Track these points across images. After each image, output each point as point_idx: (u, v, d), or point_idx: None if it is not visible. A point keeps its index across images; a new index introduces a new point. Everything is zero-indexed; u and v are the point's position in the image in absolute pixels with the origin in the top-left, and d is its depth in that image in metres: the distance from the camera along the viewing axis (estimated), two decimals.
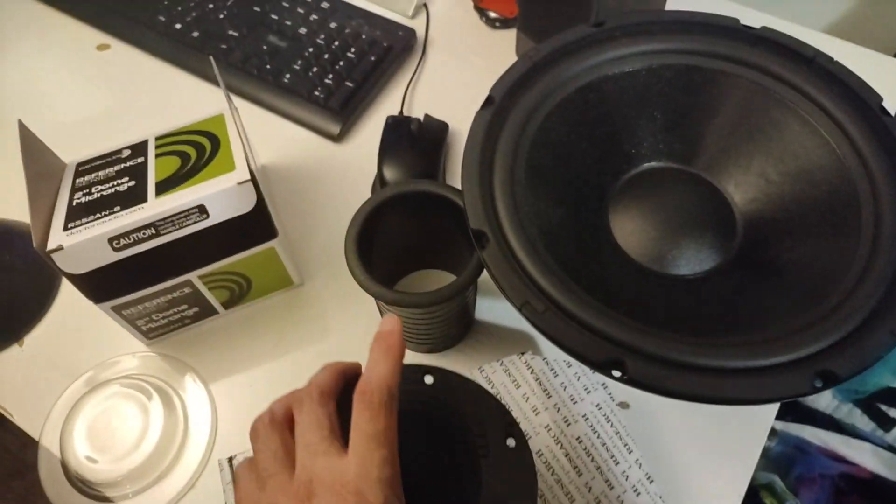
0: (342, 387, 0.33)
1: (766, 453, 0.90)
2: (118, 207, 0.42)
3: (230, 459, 0.41)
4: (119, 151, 0.47)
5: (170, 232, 0.42)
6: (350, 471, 0.28)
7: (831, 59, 0.43)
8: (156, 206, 0.41)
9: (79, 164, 0.46)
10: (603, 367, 0.34)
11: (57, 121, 0.61)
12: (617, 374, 0.34)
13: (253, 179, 0.42)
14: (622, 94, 0.45)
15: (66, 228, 0.41)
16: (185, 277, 0.44)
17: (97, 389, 0.46)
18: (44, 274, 0.51)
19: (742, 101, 0.44)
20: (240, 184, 0.41)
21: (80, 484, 0.44)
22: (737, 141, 0.45)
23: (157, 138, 0.47)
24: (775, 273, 0.41)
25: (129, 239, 0.41)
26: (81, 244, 0.40)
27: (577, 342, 0.35)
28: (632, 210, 0.45)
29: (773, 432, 0.93)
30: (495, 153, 0.41)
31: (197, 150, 0.45)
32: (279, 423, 0.31)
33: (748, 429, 0.44)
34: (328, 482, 0.28)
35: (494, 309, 0.49)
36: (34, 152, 0.43)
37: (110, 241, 0.41)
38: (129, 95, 0.62)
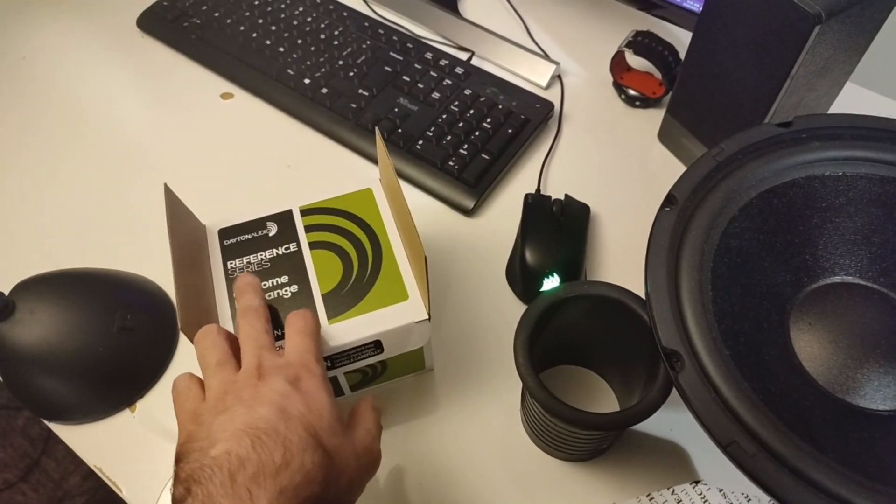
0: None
1: None
2: None
3: None
4: (264, 224, 0.44)
5: (344, 365, 0.41)
6: (291, 354, 0.35)
7: None
8: (333, 338, 0.39)
9: (221, 232, 0.44)
10: None
11: (180, 169, 0.59)
12: None
13: (428, 314, 0.40)
14: (809, 202, 0.42)
15: None
16: (332, 373, 0.42)
17: None
18: (164, 337, 0.49)
19: None
20: (418, 322, 0.40)
21: None
22: None
23: (302, 210, 0.45)
24: None
25: None
26: None
27: (796, 495, 0.31)
28: (817, 329, 0.41)
29: None
30: (680, 261, 0.38)
31: (356, 251, 0.43)
32: (224, 331, 0.37)
33: None
34: (274, 366, 0.34)
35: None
36: (179, 220, 0.41)
37: None
38: (255, 151, 0.60)
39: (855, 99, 0.62)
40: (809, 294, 0.43)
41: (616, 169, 0.57)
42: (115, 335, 0.47)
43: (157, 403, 0.47)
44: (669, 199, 0.40)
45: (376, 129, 0.42)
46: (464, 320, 0.50)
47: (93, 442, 0.46)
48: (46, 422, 0.47)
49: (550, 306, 0.38)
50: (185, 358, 0.49)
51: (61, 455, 1.23)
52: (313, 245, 0.44)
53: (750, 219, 0.41)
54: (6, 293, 0.45)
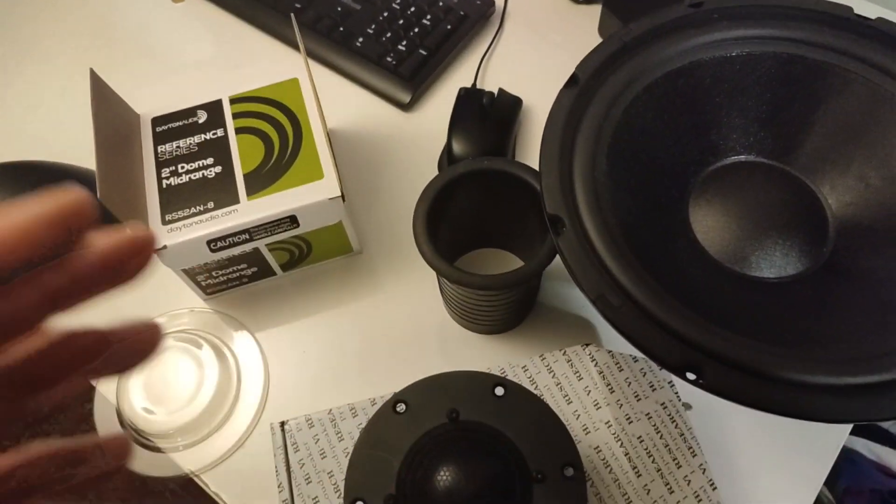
0: None
1: None
2: (212, 203, 0.42)
3: (282, 424, 0.41)
4: (194, 112, 0.46)
5: (262, 238, 0.43)
6: None
7: None
8: (250, 212, 0.42)
9: (154, 120, 0.46)
10: (678, 371, 0.32)
11: (129, 71, 0.61)
12: (692, 377, 0.32)
13: (342, 192, 0.42)
14: (715, 82, 0.43)
15: (164, 222, 0.42)
16: (252, 245, 0.44)
17: None
18: (111, 221, 0.52)
19: (847, 96, 0.41)
20: (331, 199, 0.42)
21: (133, 433, 0.45)
22: (837, 140, 0.42)
23: (231, 99, 0.47)
24: (868, 285, 0.38)
25: (226, 242, 0.42)
26: (183, 244, 0.41)
27: (654, 342, 0.33)
28: (715, 205, 0.43)
29: None
30: (577, 136, 0.39)
31: (279, 135, 0.45)
32: None
33: (820, 443, 0.42)
34: None
35: (560, 293, 0.48)
36: (105, 101, 0.43)
37: (209, 243, 0.42)
38: (202, 50, 0.62)
39: None
40: (712, 172, 0.44)
41: (553, 63, 0.57)
42: None
43: None
44: (572, 79, 0.41)
45: (292, 15, 0.43)
46: (396, 208, 0.52)
47: None
48: None
49: (450, 181, 0.40)
50: None
51: None
52: (239, 130, 0.46)
53: (654, 98, 0.42)
54: None
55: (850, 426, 0.44)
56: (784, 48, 0.42)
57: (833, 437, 0.42)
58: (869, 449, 0.84)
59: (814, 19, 0.42)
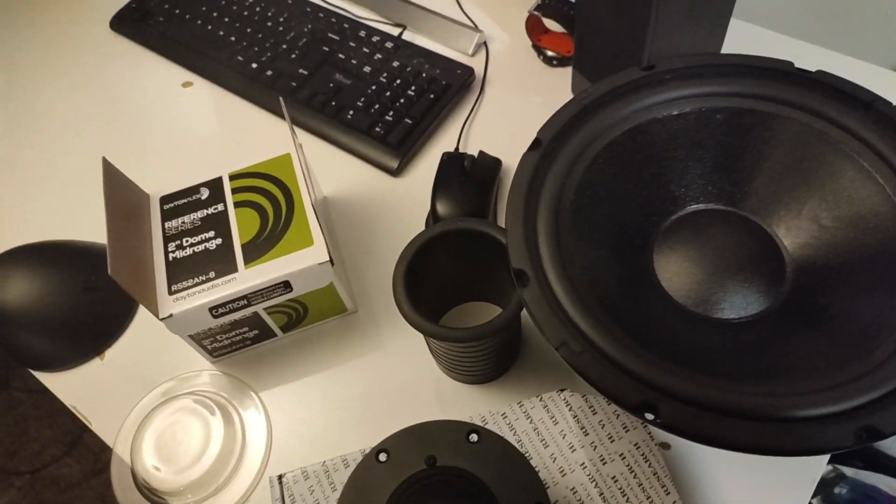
0: None
1: (835, 499, 0.86)
2: (213, 273, 0.46)
3: (280, 477, 0.43)
4: (198, 189, 0.51)
5: (259, 302, 0.47)
6: None
7: (889, 103, 0.42)
8: (247, 279, 0.46)
9: (162, 198, 0.51)
10: (636, 410, 0.35)
11: (142, 150, 0.67)
12: (650, 416, 0.34)
13: (330, 258, 0.46)
14: (671, 137, 0.46)
15: (171, 292, 0.46)
16: (251, 310, 0.48)
17: (168, 403, 0.50)
18: (126, 294, 0.56)
19: (795, 144, 0.44)
20: (320, 264, 0.46)
21: (146, 491, 0.48)
22: (789, 184, 0.44)
23: (230, 175, 0.51)
24: (823, 322, 0.40)
25: (227, 308, 0.46)
26: (188, 312, 0.45)
27: (612, 384, 0.35)
28: (677, 251, 0.45)
29: (844, 478, 0.88)
30: (540, 195, 0.43)
31: (272, 206, 0.49)
32: None
33: (795, 479, 0.43)
34: None
35: (541, 342, 0.50)
36: (116, 185, 0.48)
37: (210, 310, 0.46)
38: (209, 129, 0.67)
39: (748, 37, 0.65)
40: (674, 221, 0.47)
41: (531, 125, 0.60)
42: (81, 294, 0.54)
43: (123, 352, 0.55)
44: (535, 142, 0.45)
45: (280, 99, 0.48)
46: (388, 268, 0.56)
47: (69, 385, 0.54)
48: (31, 370, 0.54)
49: (426, 242, 0.44)
50: (148, 313, 0.56)
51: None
52: (237, 204, 0.50)
53: (615, 155, 0.45)
54: None
55: (823, 461, 0.45)
56: (733, 102, 0.45)
57: (808, 473, 0.43)
58: (887, 484, 0.82)
59: (759, 75, 0.45)
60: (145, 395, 0.52)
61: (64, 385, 0.54)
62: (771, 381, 0.37)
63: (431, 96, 0.62)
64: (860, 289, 0.40)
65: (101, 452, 1.32)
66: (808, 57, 0.63)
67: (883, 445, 0.87)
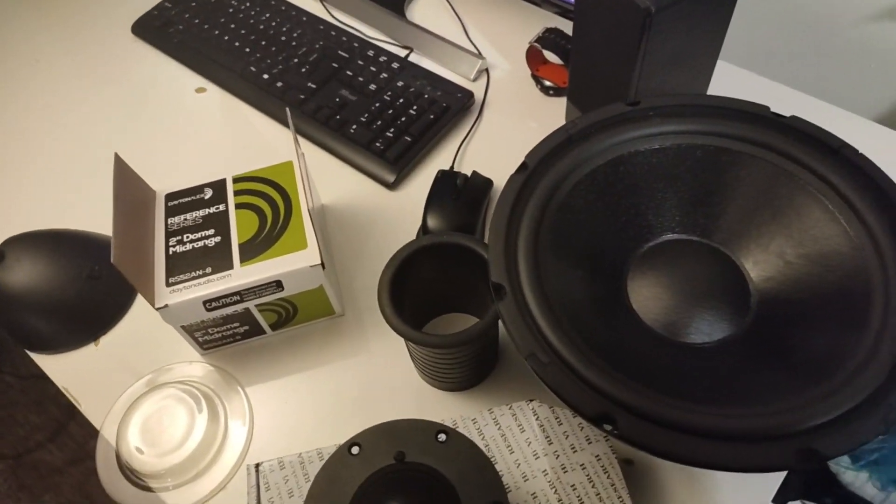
0: None
1: None
2: (209, 269, 0.49)
3: (257, 465, 0.45)
4: (202, 189, 0.54)
5: (251, 299, 0.50)
6: None
7: (856, 151, 0.45)
8: (241, 276, 0.48)
9: (168, 196, 0.54)
10: (596, 421, 0.37)
11: (153, 149, 0.70)
12: (608, 427, 0.36)
13: (321, 261, 0.48)
14: (651, 169, 0.49)
15: (168, 284, 0.48)
16: (243, 306, 0.50)
17: (156, 390, 0.52)
18: (125, 286, 0.58)
19: (767, 183, 0.46)
20: (311, 267, 0.48)
21: (128, 473, 0.50)
22: (759, 220, 0.47)
23: (234, 178, 0.54)
24: (782, 351, 0.42)
25: (220, 302, 0.49)
26: (182, 303, 0.48)
27: (574, 395, 0.38)
28: (650, 277, 0.48)
29: None
30: (523, 214, 0.45)
31: (272, 209, 0.52)
32: None
33: (750, 501, 0.45)
34: None
35: (517, 357, 0.52)
36: (126, 180, 0.50)
37: (204, 303, 0.48)
38: (218, 134, 0.70)
39: (732, 79, 0.68)
40: (649, 249, 0.49)
41: (524, 148, 0.63)
42: (84, 281, 0.57)
43: (117, 340, 0.57)
44: (522, 166, 0.47)
45: (287, 110, 0.51)
46: (377, 276, 0.58)
47: (63, 368, 0.56)
48: (27, 351, 0.57)
49: (411, 253, 0.46)
50: (144, 304, 0.59)
51: (85, 421, 1.37)
52: (238, 206, 0.53)
53: (596, 183, 0.48)
54: None
55: (778, 483, 0.46)
56: (711, 141, 0.48)
57: (761, 496, 0.45)
58: None
59: (737, 117, 0.48)
60: (135, 381, 0.54)
61: (57, 367, 0.56)
62: (728, 403, 0.39)
63: (431, 116, 0.65)
64: (818, 323, 0.42)
65: (84, 442, 1.33)
66: (788, 100, 0.66)
67: (854, 486, 0.88)
